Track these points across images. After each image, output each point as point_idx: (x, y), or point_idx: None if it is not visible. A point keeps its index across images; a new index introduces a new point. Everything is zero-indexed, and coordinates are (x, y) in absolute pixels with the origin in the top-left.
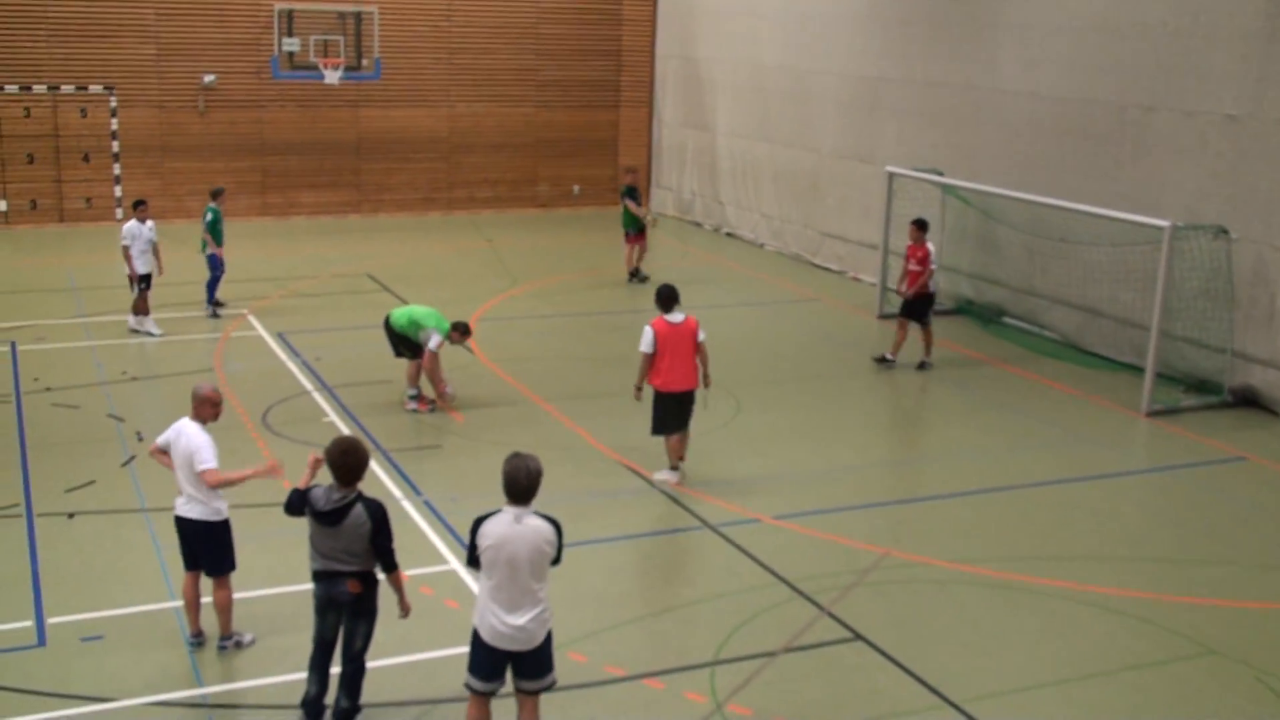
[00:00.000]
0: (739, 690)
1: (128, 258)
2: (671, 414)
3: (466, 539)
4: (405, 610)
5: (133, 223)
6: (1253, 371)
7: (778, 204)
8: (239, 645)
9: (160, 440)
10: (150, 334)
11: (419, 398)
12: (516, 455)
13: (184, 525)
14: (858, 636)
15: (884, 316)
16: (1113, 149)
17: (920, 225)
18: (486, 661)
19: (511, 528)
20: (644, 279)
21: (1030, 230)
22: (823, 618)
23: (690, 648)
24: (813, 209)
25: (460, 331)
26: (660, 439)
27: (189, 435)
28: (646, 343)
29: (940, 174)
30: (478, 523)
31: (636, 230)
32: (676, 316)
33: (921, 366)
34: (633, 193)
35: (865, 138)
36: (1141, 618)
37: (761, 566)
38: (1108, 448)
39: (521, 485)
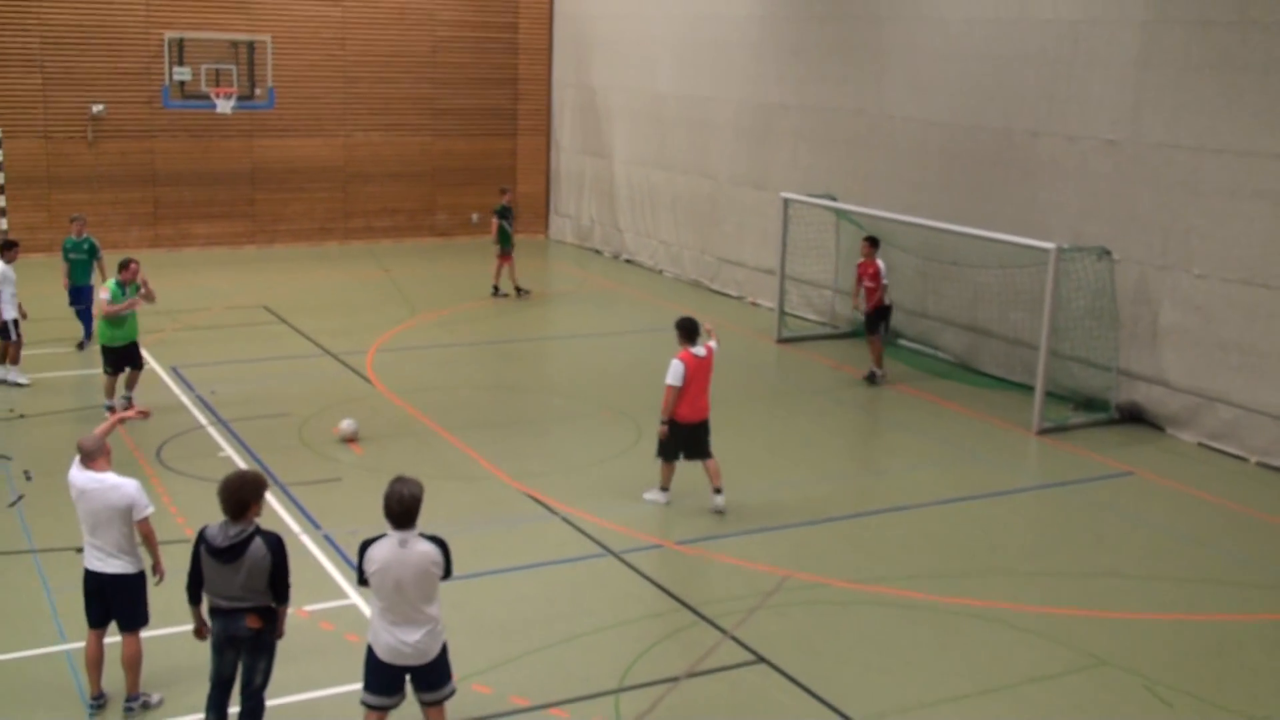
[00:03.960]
0: (644, 716)
1: None
2: (683, 442)
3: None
4: (279, 635)
5: (2, 266)
6: (1138, 388)
7: (676, 230)
8: (146, 706)
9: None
10: (18, 383)
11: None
12: (398, 480)
13: (101, 580)
14: (761, 659)
15: (782, 340)
16: (1000, 173)
17: (873, 242)
18: (383, 678)
19: (396, 552)
20: (526, 293)
21: (922, 253)
22: (726, 641)
23: (595, 675)
24: (710, 235)
25: (121, 268)
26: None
27: (115, 485)
28: (676, 376)
29: (834, 199)
30: (365, 546)
31: (507, 248)
32: (700, 350)
33: (871, 378)
34: (507, 213)
35: (761, 164)
36: (1036, 631)
37: (664, 592)
38: (1001, 466)
39: (395, 511)
